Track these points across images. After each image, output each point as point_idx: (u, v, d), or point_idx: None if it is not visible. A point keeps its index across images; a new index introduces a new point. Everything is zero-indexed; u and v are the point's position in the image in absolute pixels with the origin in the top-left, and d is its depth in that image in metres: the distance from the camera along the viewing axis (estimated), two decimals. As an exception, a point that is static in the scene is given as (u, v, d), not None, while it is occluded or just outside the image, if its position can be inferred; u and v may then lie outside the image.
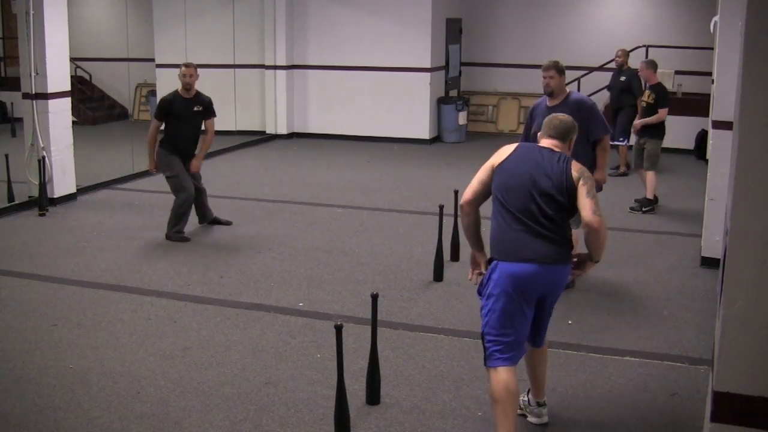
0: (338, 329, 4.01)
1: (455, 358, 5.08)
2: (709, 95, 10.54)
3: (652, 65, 9.24)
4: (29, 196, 9.13)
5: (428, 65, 13.64)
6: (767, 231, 2.50)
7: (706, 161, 8.41)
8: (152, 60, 14.84)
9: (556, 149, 3.93)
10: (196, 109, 7.83)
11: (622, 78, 10.97)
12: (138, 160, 11.11)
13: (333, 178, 10.83)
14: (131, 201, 9.57)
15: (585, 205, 3.74)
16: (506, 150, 3.97)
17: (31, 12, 8.74)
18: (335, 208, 9.09)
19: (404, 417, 4.33)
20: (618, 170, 11.03)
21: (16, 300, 6.12)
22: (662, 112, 8.96)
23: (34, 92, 8.96)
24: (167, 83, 12.32)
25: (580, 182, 3.79)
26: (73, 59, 10.45)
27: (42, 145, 8.98)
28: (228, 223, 8.30)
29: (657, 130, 9.05)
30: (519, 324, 3.78)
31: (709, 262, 6.80)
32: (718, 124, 6.69)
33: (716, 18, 7.87)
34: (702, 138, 11.98)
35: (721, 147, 6.52)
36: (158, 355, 5.11)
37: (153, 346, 5.25)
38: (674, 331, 5.55)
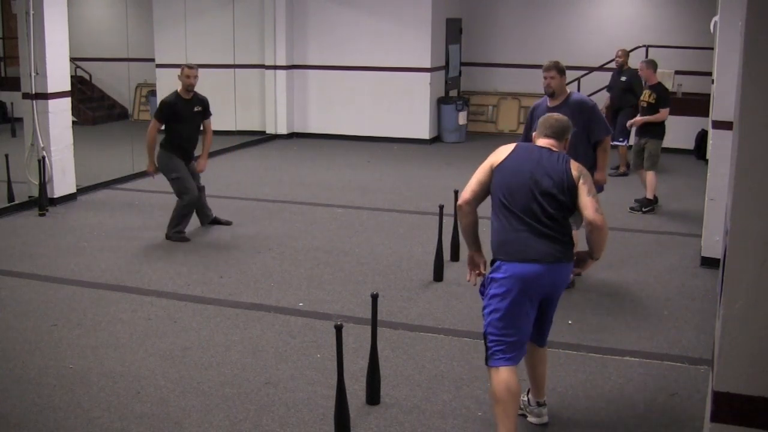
0: (338, 329, 4.01)
1: (455, 358, 5.08)
2: (709, 95, 10.54)
3: (652, 65, 9.24)
4: (29, 196, 9.13)
5: (428, 65, 13.65)
6: (767, 231, 2.50)
7: (706, 161, 8.41)
8: (152, 60, 14.84)
9: (554, 149, 3.95)
10: (196, 109, 7.85)
11: (623, 78, 10.97)
12: (138, 160, 11.10)
13: (333, 178, 10.83)
14: (131, 201, 9.57)
15: (587, 204, 3.77)
16: (505, 150, 3.97)
17: (31, 12, 8.74)
18: (335, 208, 9.09)
19: (404, 417, 4.33)
20: (618, 170, 11.03)
21: (16, 300, 6.12)
22: (663, 112, 8.96)
23: (34, 92, 8.96)
24: (167, 83, 12.32)
25: (581, 181, 3.82)
26: (73, 59, 10.45)
27: (42, 145, 8.98)
28: (228, 223, 8.30)
29: (658, 130, 9.05)
30: (522, 324, 3.79)
31: (709, 262, 6.80)
32: (718, 124, 6.69)
33: (716, 18, 7.87)
34: (702, 138, 11.98)
35: (721, 147, 6.52)
36: (158, 355, 5.11)
37: (153, 346, 5.25)
38: (674, 331, 5.55)
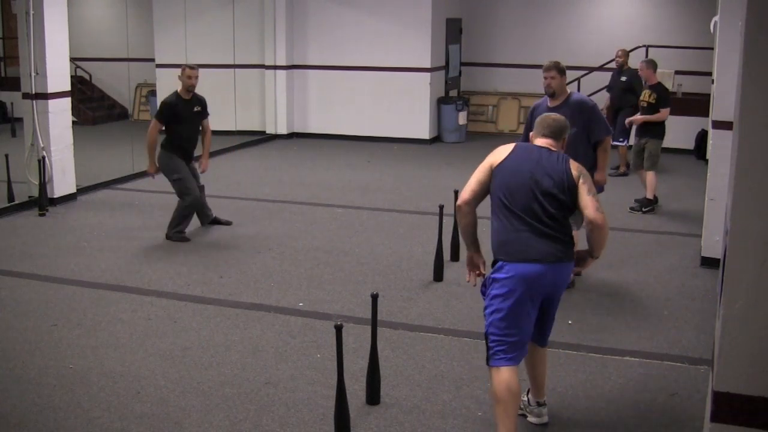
0: (338, 329, 4.01)
1: (455, 358, 5.08)
2: (709, 95, 10.54)
3: (652, 65, 9.24)
4: (29, 196, 9.13)
5: (428, 65, 13.65)
6: (767, 231, 2.50)
7: (706, 161, 8.41)
8: (152, 60, 14.84)
9: (552, 149, 3.96)
10: (195, 109, 7.86)
11: (623, 78, 10.98)
12: (138, 160, 11.10)
13: (333, 178, 10.83)
14: (131, 201, 9.57)
15: (588, 203, 3.79)
16: (504, 150, 3.97)
17: (31, 12, 8.74)
18: (335, 208, 9.09)
19: (404, 417, 4.33)
20: (618, 170, 11.03)
21: (16, 300, 6.12)
22: (664, 112, 8.96)
23: (34, 92, 8.96)
24: (167, 83, 12.32)
25: (581, 181, 3.84)
26: (73, 59, 10.45)
27: (42, 145, 8.98)
28: (228, 223, 8.30)
29: (658, 130, 9.05)
30: (524, 324, 3.79)
31: (709, 262, 6.80)
32: (718, 124, 6.69)
33: (716, 18, 7.87)
34: (702, 138, 11.98)
35: (721, 147, 6.52)
36: (158, 355, 5.11)
37: (153, 346, 5.25)
38: (674, 331, 5.55)
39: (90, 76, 17.24)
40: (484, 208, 3.99)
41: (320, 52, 14.18)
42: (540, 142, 4.02)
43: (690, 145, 12.49)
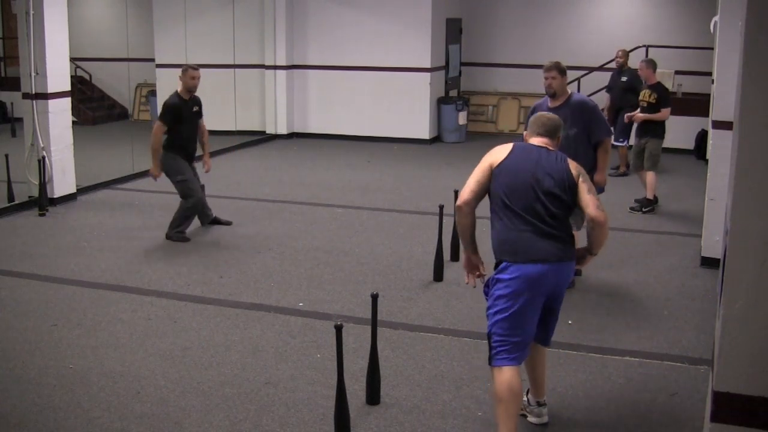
0: (338, 329, 4.01)
1: (455, 358, 5.08)
2: (709, 95, 10.54)
3: (652, 65, 9.24)
4: (29, 196, 9.13)
5: (428, 65, 13.65)
6: (767, 231, 2.50)
7: (706, 161, 8.41)
8: (152, 60, 14.84)
9: (550, 148, 3.97)
10: (194, 109, 7.87)
11: (624, 78, 10.98)
12: (138, 160, 11.11)
13: (333, 178, 10.83)
14: (131, 201, 9.57)
15: (588, 202, 3.81)
16: (502, 150, 3.96)
17: (31, 12, 8.74)
18: (335, 208, 9.09)
19: (404, 417, 4.33)
20: (618, 170, 11.03)
21: (16, 300, 6.12)
22: (665, 112, 8.95)
23: (34, 92, 8.96)
24: (167, 83, 12.33)
25: (580, 179, 3.87)
26: (73, 59, 10.45)
27: (42, 145, 8.98)
28: (228, 223, 8.30)
29: (658, 130, 9.04)
30: (527, 325, 3.80)
31: (709, 262, 6.80)
32: (718, 124, 6.69)
33: (716, 18, 7.87)
34: (702, 138, 11.98)
35: (721, 147, 6.52)
36: (158, 355, 5.11)
37: (153, 346, 5.25)
38: (674, 331, 5.55)
39: (90, 76, 17.24)
40: (484, 208, 3.99)
41: (320, 52, 14.18)
42: (536, 141, 4.02)
43: (690, 145, 12.49)
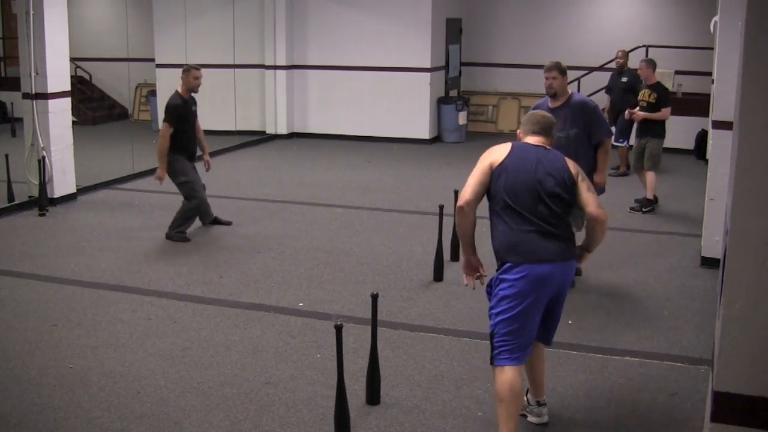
0: (338, 329, 4.01)
1: (455, 358, 5.08)
2: (709, 95, 10.54)
3: (652, 64, 9.23)
4: (29, 196, 9.13)
5: (428, 65, 13.65)
6: (767, 231, 2.50)
7: (706, 161, 8.41)
8: (152, 60, 14.84)
9: (547, 147, 3.97)
10: (194, 109, 7.88)
11: (624, 79, 10.98)
12: (138, 160, 11.12)
13: (333, 178, 10.83)
14: (131, 201, 9.57)
15: (589, 200, 3.84)
16: (501, 150, 3.95)
17: (31, 12, 8.74)
18: (335, 208, 9.09)
19: (404, 417, 4.33)
20: (618, 170, 11.03)
21: (16, 300, 6.12)
22: (665, 111, 8.95)
23: (34, 92, 8.96)
24: (167, 83, 12.33)
25: (579, 178, 3.90)
26: (73, 59, 10.45)
27: (42, 145, 8.98)
28: (228, 223, 8.29)
29: (659, 130, 9.03)
30: (530, 325, 3.81)
31: (709, 262, 6.80)
32: (718, 124, 6.69)
33: (716, 18, 7.87)
34: (702, 138, 11.98)
35: (721, 147, 6.52)
36: (158, 355, 5.11)
37: (153, 346, 5.25)
38: (674, 331, 5.55)
39: (90, 76, 17.24)
40: (483, 208, 3.98)
41: (320, 52, 14.18)
42: (532, 140, 4.02)
43: (690, 145, 12.49)
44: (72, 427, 4.21)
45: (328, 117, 14.35)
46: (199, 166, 8.13)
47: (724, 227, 3.26)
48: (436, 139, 14.14)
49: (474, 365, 4.93)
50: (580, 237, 4.62)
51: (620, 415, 4.39)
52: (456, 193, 6.31)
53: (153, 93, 15.08)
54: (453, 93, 14.87)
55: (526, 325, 3.78)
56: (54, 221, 8.57)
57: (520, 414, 4.14)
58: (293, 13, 14.14)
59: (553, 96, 6.00)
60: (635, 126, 9.35)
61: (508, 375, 3.75)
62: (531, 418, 4.25)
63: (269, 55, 14.21)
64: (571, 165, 3.91)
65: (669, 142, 9.74)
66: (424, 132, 13.88)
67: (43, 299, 6.11)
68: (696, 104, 12.37)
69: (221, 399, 4.51)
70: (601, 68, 13.49)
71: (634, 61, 10.72)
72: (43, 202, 8.81)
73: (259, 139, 14.16)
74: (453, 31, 14.62)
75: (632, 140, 10.06)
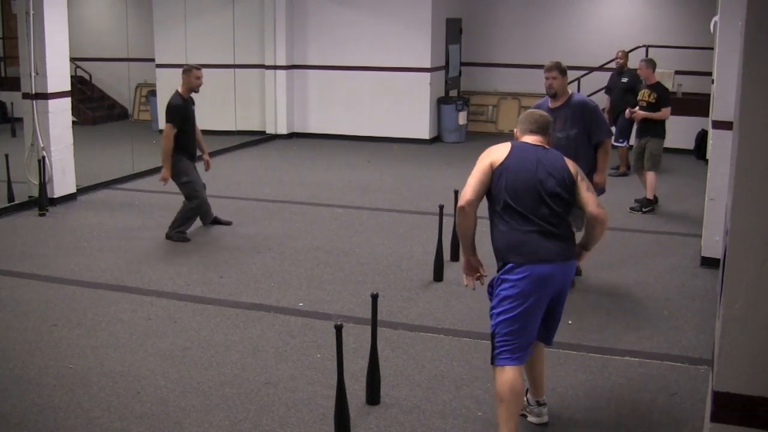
0: (338, 329, 4.01)
1: (455, 358, 5.08)
2: (709, 95, 10.53)
3: (652, 64, 9.23)
4: (29, 196, 9.13)
5: (428, 65, 13.65)
6: (767, 231, 2.50)
7: (706, 161, 8.41)
8: (152, 60, 14.84)
9: (546, 146, 3.98)
10: (193, 108, 7.88)
11: (624, 79, 10.97)
12: (138, 160, 11.12)
13: (333, 178, 10.83)
14: (131, 201, 9.57)
15: (588, 199, 3.86)
16: (501, 150, 3.94)
17: (31, 12, 8.74)
18: (335, 208, 9.09)
19: (404, 417, 4.33)
20: (618, 170, 11.02)
21: (16, 300, 6.12)
22: (665, 111, 8.94)
23: (34, 92, 8.96)
24: (167, 83, 12.33)
25: (579, 178, 3.91)
26: (73, 59, 10.45)
27: (42, 145, 8.98)
28: (228, 223, 8.29)
29: (659, 130, 9.03)
30: (531, 325, 3.81)
31: (709, 262, 6.80)
32: (718, 124, 6.69)
33: (716, 18, 7.87)
34: (702, 138, 11.97)
35: (721, 147, 6.52)
36: (158, 355, 5.11)
37: (153, 346, 5.25)
38: (674, 331, 5.55)
39: (90, 76, 17.24)
40: (483, 208, 3.98)
41: (320, 52, 14.18)
42: (530, 139, 4.01)
43: (690, 145, 12.48)
44: (72, 427, 4.21)
45: (328, 117, 14.35)
46: (199, 166, 8.14)
47: (724, 227, 3.26)
48: (436, 139, 14.14)
49: (474, 365, 4.93)
50: (579, 236, 4.62)
51: (620, 415, 4.39)
52: (456, 193, 6.33)
53: (153, 93, 15.08)
54: (453, 93, 14.87)
55: (528, 325, 3.78)
56: (54, 221, 8.57)
57: (520, 414, 4.15)
58: (293, 13, 14.14)
59: (554, 96, 6.00)
60: (635, 126, 9.35)
61: (508, 375, 3.75)
62: (531, 418, 4.25)
63: (269, 55, 14.21)
64: (571, 165, 3.92)
65: (669, 142, 9.74)
66: (424, 132, 13.88)
67: (43, 299, 6.11)
68: (696, 104, 12.37)
69: (221, 399, 4.51)
70: (601, 68, 13.49)
71: (634, 61, 10.71)
72: (43, 202, 8.81)
73: (259, 139, 14.16)
74: (453, 31, 14.62)
75: (632, 140, 10.06)
